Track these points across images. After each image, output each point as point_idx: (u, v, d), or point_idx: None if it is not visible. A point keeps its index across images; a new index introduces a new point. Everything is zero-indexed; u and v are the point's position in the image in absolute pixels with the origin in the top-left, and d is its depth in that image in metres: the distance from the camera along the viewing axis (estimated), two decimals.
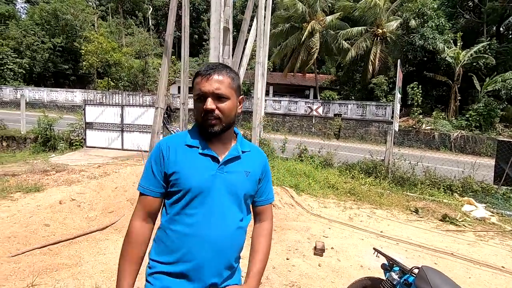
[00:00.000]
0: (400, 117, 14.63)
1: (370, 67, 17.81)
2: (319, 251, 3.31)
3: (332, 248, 3.51)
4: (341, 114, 17.96)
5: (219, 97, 0.99)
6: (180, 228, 1.00)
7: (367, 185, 6.49)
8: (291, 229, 3.95)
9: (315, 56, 18.63)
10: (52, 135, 9.52)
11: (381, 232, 4.19)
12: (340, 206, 5.25)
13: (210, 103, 0.98)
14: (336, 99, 18.70)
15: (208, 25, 33.86)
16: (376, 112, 17.49)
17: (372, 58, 17.75)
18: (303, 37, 18.48)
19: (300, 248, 3.44)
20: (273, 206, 4.57)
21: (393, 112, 16.79)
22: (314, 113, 18.55)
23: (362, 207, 5.29)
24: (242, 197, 1.06)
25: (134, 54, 25.83)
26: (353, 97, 20.26)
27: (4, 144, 10.22)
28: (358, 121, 17.77)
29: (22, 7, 32.21)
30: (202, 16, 34.90)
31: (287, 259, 3.18)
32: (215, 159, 1.03)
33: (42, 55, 24.98)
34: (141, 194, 1.06)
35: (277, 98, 20.13)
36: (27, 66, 24.35)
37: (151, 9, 33.48)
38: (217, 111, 0.99)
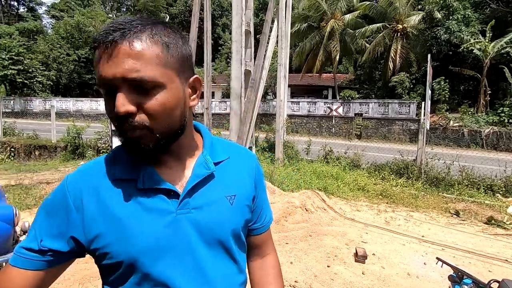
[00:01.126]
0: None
1: (391, 64, 17.31)
2: (360, 258, 3.15)
3: (373, 254, 3.34)
4: (362, 114, 17.50)
5: (139, 87, 0.50)
6: None
7: (399, 186, 6.21)
8: (327, 235, 3.81)
9: (337, 57, 18.31)
10: (80, 143, 9.86)
11: (423, 236, 3.96)
12: (374, 209, 5.04)
13: (122, 102, 0.49)
14: (356, 98, 18.27)
15: (223, 30, 34.38)
16: (399, 110, 16.89)
17: (392, 55, 17.24)
18: (323, 37, 18.21)
19: (340, 255, 3.30)
20: (306, 210, 4.44)
21: (417, 109, 16.23)
22: (334, 113, 18.18)
23: (397, 210, 5.05)
24: (231, 240, 0.63)
25: None
26: (373, 96, 19.72)
27: (37, 153, 10.69)
28: (380, 120, 17.22)
29: (48, 22, 34.05)
30: (217, 21, 35.33)
31: (328, 266, 3.05)
32: (170, 193, 0.58)
33: (67, 67, 26.20)
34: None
35: (295, 100, 19.90)
36: (54, 78, 25.60)
37: (168, 17, 34.29)
38: (140, 116, 0.51)
